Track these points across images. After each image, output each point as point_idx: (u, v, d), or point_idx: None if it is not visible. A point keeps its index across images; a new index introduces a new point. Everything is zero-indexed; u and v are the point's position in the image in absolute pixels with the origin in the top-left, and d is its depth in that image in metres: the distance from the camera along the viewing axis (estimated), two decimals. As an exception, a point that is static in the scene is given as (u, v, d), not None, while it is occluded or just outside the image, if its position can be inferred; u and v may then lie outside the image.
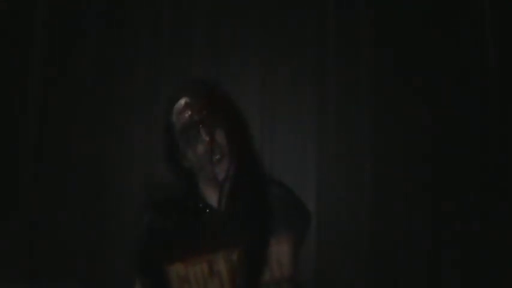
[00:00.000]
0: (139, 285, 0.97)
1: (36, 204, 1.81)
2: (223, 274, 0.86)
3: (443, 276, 1.66)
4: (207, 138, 0.92)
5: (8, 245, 1.76)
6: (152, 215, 0.97)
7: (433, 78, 1.77)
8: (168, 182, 1.02)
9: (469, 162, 1.71)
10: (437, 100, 1.76)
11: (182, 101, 0.98)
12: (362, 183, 1.74)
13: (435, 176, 1.71)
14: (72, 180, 1.81)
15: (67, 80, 1.87)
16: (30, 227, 1.79)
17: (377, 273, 1.69)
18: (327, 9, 1.84)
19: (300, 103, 1.83)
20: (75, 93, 1.86)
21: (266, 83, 1.83)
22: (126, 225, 1.65)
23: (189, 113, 0.95)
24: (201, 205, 0.95)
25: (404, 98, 1.76)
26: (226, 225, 0.90)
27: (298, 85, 1.83)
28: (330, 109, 1.80)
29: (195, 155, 0.94)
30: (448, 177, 1.71)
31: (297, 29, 1.84)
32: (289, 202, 1.00)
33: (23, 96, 1.86)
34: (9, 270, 1.72)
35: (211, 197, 0.95)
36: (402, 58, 1.79)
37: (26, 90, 1.87)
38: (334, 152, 1.77)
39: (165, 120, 1.00)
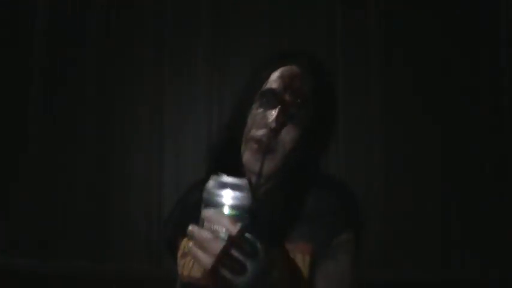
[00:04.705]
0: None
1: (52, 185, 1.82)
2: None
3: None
4: (274, 125, 0.77)
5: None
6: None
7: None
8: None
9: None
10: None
11: (291, 68, 0.83)
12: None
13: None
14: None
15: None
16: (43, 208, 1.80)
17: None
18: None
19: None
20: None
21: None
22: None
23: (285, 83, 0.80)
24: None
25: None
26: None
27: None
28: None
29: (248, 126, 0.81)
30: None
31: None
32: (325, 211, 0.84)
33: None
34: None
35: None
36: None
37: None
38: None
39: (255, 74, 0.86)
